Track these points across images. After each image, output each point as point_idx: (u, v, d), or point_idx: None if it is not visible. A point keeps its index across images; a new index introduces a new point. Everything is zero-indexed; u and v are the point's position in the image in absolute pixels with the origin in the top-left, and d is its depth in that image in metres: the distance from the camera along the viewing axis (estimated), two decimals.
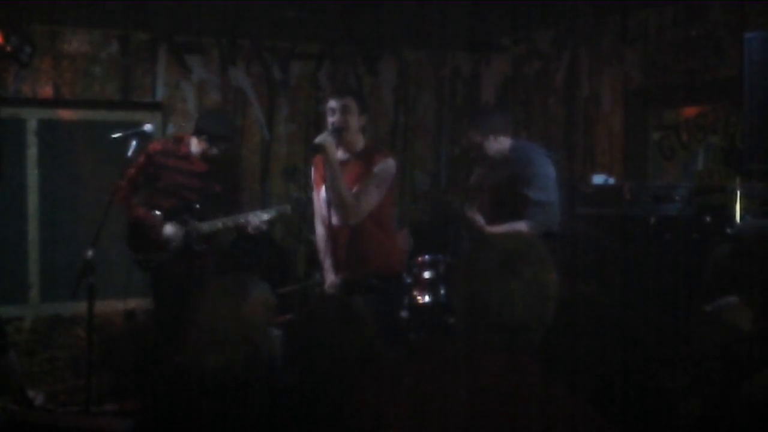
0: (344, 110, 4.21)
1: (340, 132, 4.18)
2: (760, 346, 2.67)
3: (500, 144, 4.42)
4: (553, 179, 4.39)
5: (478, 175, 4.65)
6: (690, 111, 5.49)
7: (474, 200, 4.28)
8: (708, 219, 4.35)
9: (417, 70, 7.11)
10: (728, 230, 3.96)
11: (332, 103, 4.24)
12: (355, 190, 4.18)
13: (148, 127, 4.74)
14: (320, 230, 4.46)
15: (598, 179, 5.25)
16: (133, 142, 4.53)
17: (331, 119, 4.24)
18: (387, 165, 4.23)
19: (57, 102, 6.01)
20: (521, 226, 4.19)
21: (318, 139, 4.11)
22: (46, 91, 5.91)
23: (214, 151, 4.90)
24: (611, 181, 5.27)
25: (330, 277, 4.37)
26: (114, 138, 4.66)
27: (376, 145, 4.38)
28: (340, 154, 4.26)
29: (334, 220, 4.18)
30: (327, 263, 4.41)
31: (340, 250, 4.28)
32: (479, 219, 4.28)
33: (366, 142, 4.35)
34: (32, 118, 6.01)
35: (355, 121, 4.23)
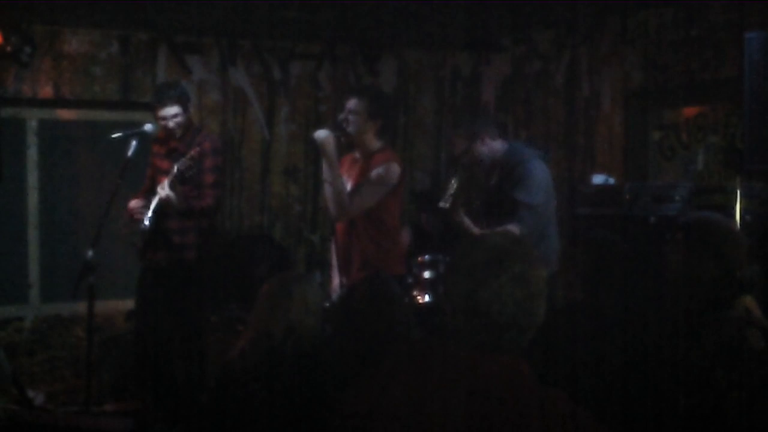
0: (350, 111, 4.20)
1: (342, 129, 4.15)
2: None
3: (489, 147, 4.33)
4: (544, 182, 4.28)
5: (464, 180, 4.56)
6: (690, 111, 5.49)
7: (457, 204, 4.18)
8: None
9: (417, 70, 7.11)
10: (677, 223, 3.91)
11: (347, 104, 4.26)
12: (349, 188, 4.18)
13: (148, 127, 4.74)
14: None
15: (598, 179, 5.25)
16: (133, 142, 4.53)
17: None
18: (385, 169, 4.18)
19: (57, 102, 6.01)
20: (512, 228, 4.13)
21: (316, 133, 4.10)
22: (46, 91, 5.91)
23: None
24: (611, 181, 5.27)
25: (335, 279, 4.37)
26: (114, 138, 4.65)
27: (387, 148, 4.33)
28: (355, 155, 4.28)
29: (330, 214, 4.23)
30: (335, 263, 4.40)
31: (339, 250, 4.27)
32: (467, 222, 4.18)
33: (382, 145, 4.31)
34: (32, 118, 6.01)
35: (362, 123, 4.20)
